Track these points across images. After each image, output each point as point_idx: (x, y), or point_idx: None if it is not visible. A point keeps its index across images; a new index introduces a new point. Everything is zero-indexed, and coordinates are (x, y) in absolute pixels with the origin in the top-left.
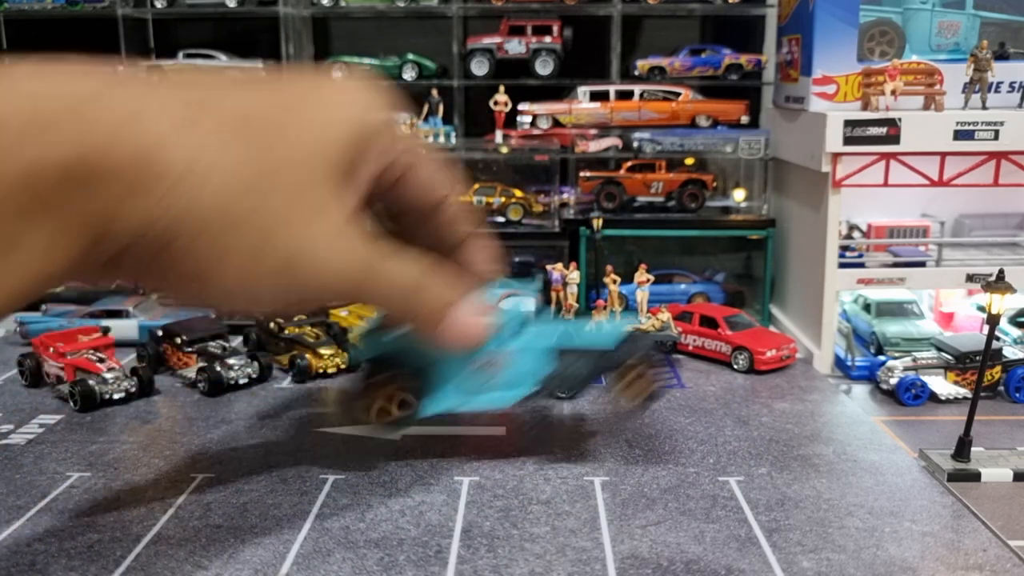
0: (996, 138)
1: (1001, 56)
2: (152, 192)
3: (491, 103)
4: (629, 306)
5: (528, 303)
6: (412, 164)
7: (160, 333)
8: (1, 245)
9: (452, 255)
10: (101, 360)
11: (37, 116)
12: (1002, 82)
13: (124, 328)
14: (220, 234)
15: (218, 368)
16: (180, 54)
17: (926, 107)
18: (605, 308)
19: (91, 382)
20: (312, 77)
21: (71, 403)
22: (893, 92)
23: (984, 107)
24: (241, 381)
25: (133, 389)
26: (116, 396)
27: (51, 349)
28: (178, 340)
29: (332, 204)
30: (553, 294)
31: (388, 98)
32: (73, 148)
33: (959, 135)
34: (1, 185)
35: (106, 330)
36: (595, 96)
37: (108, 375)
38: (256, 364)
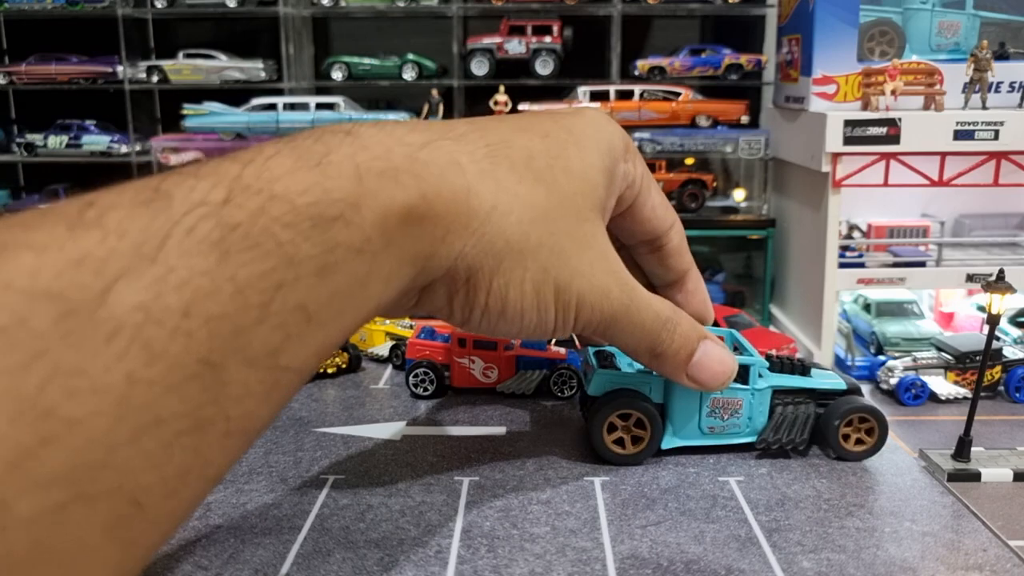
0: (996, 138)
1: (1001, 56)
2: (465, 230)
3: (491, 103)
4: None
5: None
6: (643, 191)
7: None
8: (360, 278)
9: (669, 290)
10: None
11: (388, 165)
12: (1002, 82)
13: None
14: (512, 266)
15: None
16: (180, 54)
17: (926, 107)
18: None
19: None
20: (564, 117)
21: None
22: (893, 92)
23: (984, 107)
24: None
25: None
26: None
27: None
28: None
29: (599, 234)
30: None
31: (625, 133)
32: (412, 193)
33: (959, 135)
34: (365, 226)
35: None
36: (595, 96)
37: None
38: None
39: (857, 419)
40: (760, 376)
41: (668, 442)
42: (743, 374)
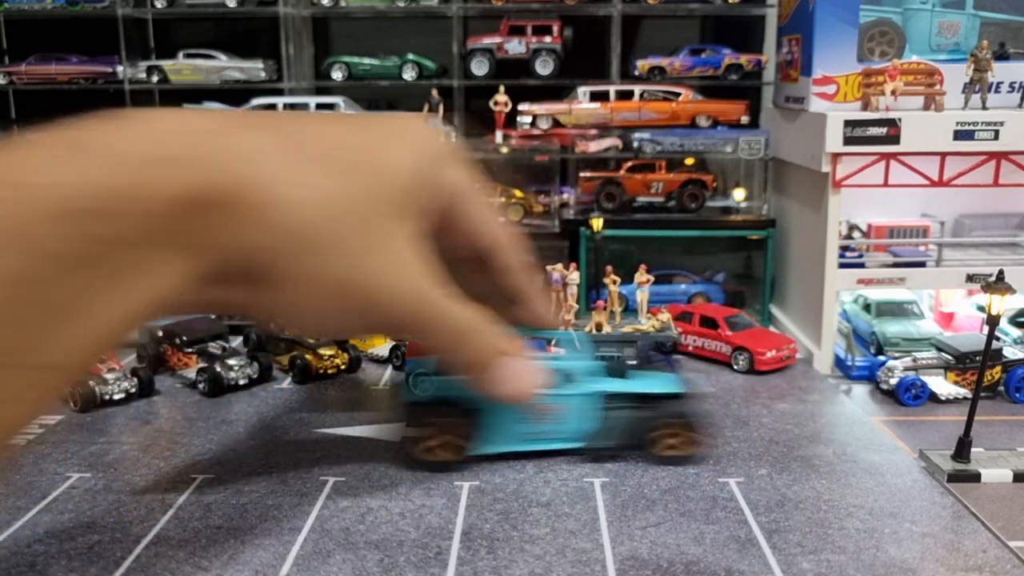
0: (996, 138)
1: (1001, 56)
2: (253, 221)
3: (491, 103)
4: (629, 307)
5: (581, 353)
6: (465, 204)
7: (160, 333)
8: (125, 269)
9: (510, 308)
10: (101, 360)
11: (157, 151)
12: (1002, 82)
13: None
14: (303, 261)
15: (218, 368)
16: (180, 54)
17: (926, 107)
18: (605, 309)
19: (91, 382)
20: (380, 117)
21: (71, 403)
22: (893, 92)
23: (984, 107)
24: (241, 382)
25: (133, 389)
26: (116, 396)
27: None
28: (178, 340)
29: (398, 237)
30: (552, 295)
31: (450, 139)
32: (188, 181)
33: (959, 135)
34: (125, 213)
35: None
36: (595, 96)
37: (108, 375)
38: (256, 364)
39: (670, 424)
40: (584, 382)
41: (485, 448)
42: (564, 380)
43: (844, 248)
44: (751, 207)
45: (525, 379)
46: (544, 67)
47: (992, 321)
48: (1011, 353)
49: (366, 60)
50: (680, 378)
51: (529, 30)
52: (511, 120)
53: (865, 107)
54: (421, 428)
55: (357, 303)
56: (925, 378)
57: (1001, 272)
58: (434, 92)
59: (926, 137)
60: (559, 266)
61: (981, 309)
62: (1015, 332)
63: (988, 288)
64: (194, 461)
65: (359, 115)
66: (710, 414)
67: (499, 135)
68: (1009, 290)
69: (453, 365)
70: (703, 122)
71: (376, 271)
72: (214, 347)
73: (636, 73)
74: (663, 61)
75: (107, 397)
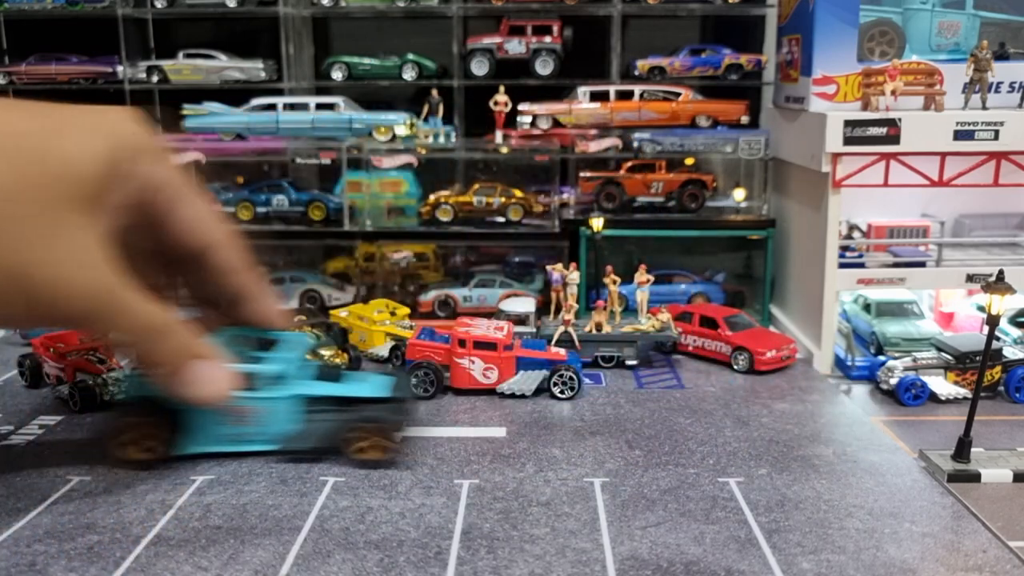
0: (996, 138)
1: (1001, 56)
2: None
3: (491, 103)
4: (629, 306)
5: (301, 350)
6: (174, 202)
7: None
8: None
9: (233, 308)
10: (101, 361)
11: None
12: (1002, 82)
13: None
14: None
15: None
16: (180, 54)
17: (926, 107)
18: (605, 308)
19: (91, 383)
20: (80, 108)
21: (71, 404)
22: (893, 92)
23: (984, 107)
24: None
25: None
26: (116, 397)
27: (51, 350)
28: None
29: (79, 228)
30: (553, 295)
31: (156, 135)
32: None
33: (959, 135)
34: None
35: None
36: (595, 96)
37: (108, 376)
38: None
39: (365, 428)
40: (287, 385)
41: (186, 448)
42: (268, 383)
43: (844, 248)
44: (751, 207)
45: (216, 382)
46: (544, 67)
47: (992, 321)
48: (1011, 353)
49: (366, 60)
50: (390, 382)
51: (529, 30)
52: (511, 120)
53: (865, 107)
54: (121, 427)
55: (20, 293)
56: (925, 378)
57: (1001, 272)
58: (434, 92)
59: (926, 137)
60: (559, 266)
61: (981, 309)
62: (1015, 332)
63: (988, 288)
64: (194, 461)
65: (48, 104)
66: (413, 418)
67: (499, 135)
68: (1009, 290)
69: (144, 365)
70: (703, 122)
71: (44, 261)
72: None
73: (636, 73)
74: (663, 61)
75: (107, 397)
